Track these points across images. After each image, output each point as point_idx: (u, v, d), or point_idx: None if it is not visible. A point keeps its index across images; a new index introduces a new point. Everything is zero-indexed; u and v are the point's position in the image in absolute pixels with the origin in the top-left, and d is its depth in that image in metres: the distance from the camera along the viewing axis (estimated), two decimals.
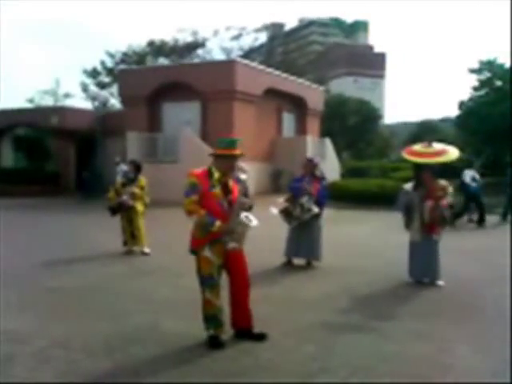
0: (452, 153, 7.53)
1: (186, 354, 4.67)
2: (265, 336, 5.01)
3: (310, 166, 8.52)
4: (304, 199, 8.17)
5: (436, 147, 7.59)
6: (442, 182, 7.40)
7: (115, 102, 39.90)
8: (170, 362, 4.51)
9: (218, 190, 4.80)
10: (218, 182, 4.82)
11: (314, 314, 5.93)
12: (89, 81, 41.65)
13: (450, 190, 7.43)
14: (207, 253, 4.79)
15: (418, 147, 7.82)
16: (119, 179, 19.03)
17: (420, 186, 7.41)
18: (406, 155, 7.80)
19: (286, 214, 8.30)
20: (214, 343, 4.81)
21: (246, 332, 5.02)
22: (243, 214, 4.82)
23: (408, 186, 7.64)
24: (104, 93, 41.83)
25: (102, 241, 11.10)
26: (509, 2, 72.12)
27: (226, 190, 4.85)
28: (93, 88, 41.94)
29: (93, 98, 42.40)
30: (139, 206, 9.76)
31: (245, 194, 5.00)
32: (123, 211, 9.75)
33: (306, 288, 7.22)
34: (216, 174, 4.83)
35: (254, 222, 4.85)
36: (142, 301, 6.47)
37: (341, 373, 4.31)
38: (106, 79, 41.03)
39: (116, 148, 24.06)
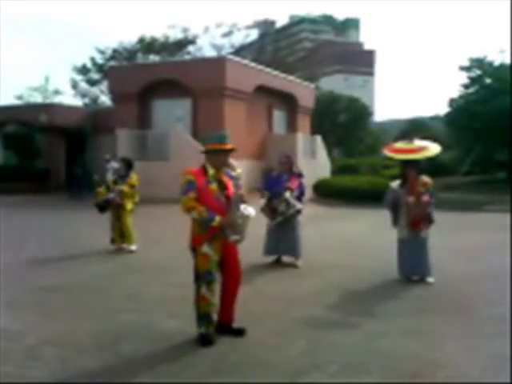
0: (432, 149, 7.58)
1: (176, 351, 4.68)
2: (243, 331, 5.06)
3: (288, 163, 8.54)
4: (287, 194, 8.16)
5: (416, 144, 7.65)
6: (425, 179, 7.45)
7: (105, 99, 39.82)
8: (160, 359, 4.51)
9: (214, 186, 4.86)
10: (213, 178, 4.87)
11: (303, 311, 5.95)
12: (79, 78, 41.53)
13: (432, 186, 7.47)
14: (206, 249, 4.82)
15: (399, 144, 7.94)
16: (110, 176, 19.11)
17: (406, 182, 7.46)
18: (386, 152, 7.89)
19: (269, 210, 8.25)
20: (205, 341, 4.82)
21: (225, 326, 5.05)
22: (242, 206, 4.87)
23: (395, 183, 7.69)
24: (94, 90, 41.72)
25: (92, 238, 11.05)
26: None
27: (222, 186, 4.91)
28: (83, 85, 41.83)
29: (83, 95, 42.29)
30: (128, 204, 9.71)
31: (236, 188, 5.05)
32: (111, 208, 9.73)
33: (295, 285, 7.24)
34: (211, 171, 4.88)
35: (253, 212, 4.93)
36: (131, 298, 6.46)
37: (330, 369, 4.33)
38: (96, 76, 40.91)
39: (106, 145, 23.97)
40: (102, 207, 9.74)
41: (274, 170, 8.98)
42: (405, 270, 7.50)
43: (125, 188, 9.63)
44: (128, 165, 9.89)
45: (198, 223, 4.82)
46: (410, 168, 7.43)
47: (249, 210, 4.90)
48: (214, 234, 4.80)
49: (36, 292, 6.74)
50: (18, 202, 20.48)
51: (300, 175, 8.61)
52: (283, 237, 8.34)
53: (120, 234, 9.71)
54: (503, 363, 4.48)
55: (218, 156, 4.88)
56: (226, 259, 4.96)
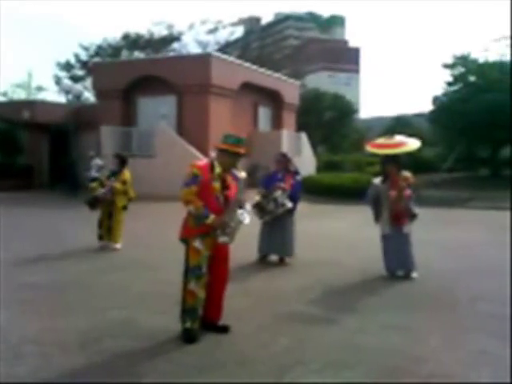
0: (412, 144, 7.70)
1: (161, 348, 4.68)
2: (228, 328, 5.08)
3: (284, 161, 8.54)
4: (277, 193, 8.19)
5: (396, 139, 7.76)
6: (406, 173, 7.53)
7: (89, 96, 39.53)
8: (145, 356, 4.51)
9: (217, 184, 4.90)
10: (218, 176, 4.92)
11: (287, 308, 5.98)
12: (62, 74, 41.17)
13: (413, 180, 7.55)
14: (198, 244, 4.84)
15: (380, 140, 8.09)
16: (93, 173, 18.98)
17: (387, 178, 7.54)
18: (368, 148, 8.03)
19: (259, 208, 8.29)
20: (189, 336, 4.83)
21: (210, 324, 5.07)
22: (239, 211, 4.94)
23: (377, 179, 7.76)
24: (78, 86, 41.40)
25: (77, 236, 11.00)
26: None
27: (224, 185, 4.95)
28: (66, 81, 41.48)
29: (66, 92, 41.95)
30: (120, 201, 9.63)
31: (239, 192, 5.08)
32: (102, 205, 9.65)
33: (280, 282, 7.27)
34: (218, 169, 4.92)
35: (248, 219, 5.00)
36: (116, 296, 6.44)
37: (314, 365, 4.36)
38: (79, 72, 40.60)
39: (90, 142, 23.79)
40: (92, 204, 9.66)
41: (267, 168, 9.02)
42: (390, 265, 7.56)
43: (117, 184, 9.51)
44: (122, 161, 9.77)
45: (193, 216, 4.85)
46: (390, 163, 7.53)
47: (244, 216, 4.97)
48: (205, 230, 4.83)
49: (20, 290, 6.68)
50: (0, 199, 20.26)
51: (296, 173, 8.62)
52: (275, 235, 8.36)
53: (108, 231, 9.61)
54: (485, 359, 4.54)
55: (230, 157, 4.95)
56: (216, 257, 4.97)
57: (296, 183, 8.46)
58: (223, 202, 4.92)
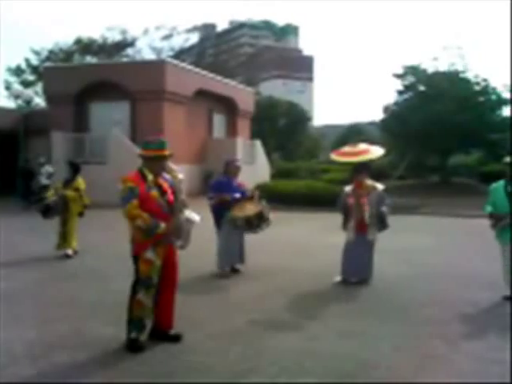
0: (374, 152, 7.84)
1: (113, 358, 4.60)
2: (180, 337, 5.02)
3: (239, 169, 8.35)
4: (266, 210, 7.87)
5: (360, 147, 7.88)
6: (369, 182, 7.63)
7: (40, 101, 38.65)
8: (96, 367, 4.42)
9: (155, 192, 4.83)
10: (153, 184, 4.85)
11: (243, 315, 5.97)
12: (12, 79, 40.16)
13: (379, 188, 7.64)
14: (150, 254, 4.77)
15: (344, 148, 8.21)
16: (43, 180, 18.50)
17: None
18: (333, 156, 8.13)
19: (248, 224, 7.68)
20: (135, 346, 4.76)
21: (162, 333, 5.00)
22: (186, 212, 4.90)
23: (348, 187, 7.80)
24: (28, 91, 40.43)
25: (29, 244, 10.72)
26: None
27: (162, 191, 4.89)
28: (16, 86, 40.46)
29: (16, 97, 40.87)
30: (74, 208, 9.62)
31: (178, 193, 5.05)
32: (55, 213, 9.57)
33: (237, 289, 7.26)
34: (149, 176, 4.85)
35: (197, 218, 4.97)
36: (67, 305, 6.30)
37: (269, 372, 4.36)
38: (30, 77, 39.67)
39: (40, 148, 23.20)
40: (45, 212, 9.56)
41: (218, 174, 8.69)
42: (346, 271, 7.61)
43: (68, 192, 9.53)
44: (75, 168, 9.83)
45: (141, 230, 4.75)
46: (358, 171, 7.61)
47: (193, 215, 4.94)
48: (158, 239, 4.76)
49: None
50: None
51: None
52: (236, 246, 8.22)
53: (63, 239, 9.57)
54: (436, 363, 4.64)
55: (157, 162, 4.89)
56: (165, 264, 4.92)
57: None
58: (167, 207, 4.86)
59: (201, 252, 8.47)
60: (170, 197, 4.93)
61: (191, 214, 4.92)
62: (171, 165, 5.04)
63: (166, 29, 43.33)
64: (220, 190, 8.04)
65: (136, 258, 4.84)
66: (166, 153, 4.93)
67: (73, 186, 9.62)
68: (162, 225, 4.73)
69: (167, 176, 5.12)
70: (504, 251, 6.76)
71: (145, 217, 4.69)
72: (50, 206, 9.50)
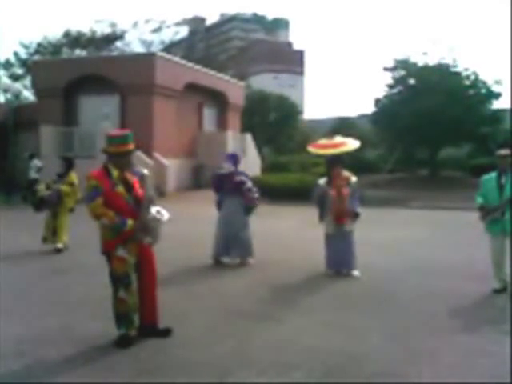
0: (351, 144, 7.98)
1: (100, 354, 4.57)
2: (169, 332, 4.98)
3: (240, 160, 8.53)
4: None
5: (336, 139, 7.98)
6: (345, 173, 7.70)
7: (29, 95, 38.37)
8: (84, 362, 4.39)
9: (121, 188, 4.71)
10: (118, 180, 4.72)
11: (233, 309, 5.96)
12: (1, 72, 39.81)
13: (353, 180, 7.71)
14: (122, 252, 4.70)
15: (321, 141, 8.39)
16: (33, 174, 18.36)
17: (331, 179, 7.68)
18: (310, 148, 8.29)
19: None
20: (125, 342, 4.73)
21: (150, 329, 4.95)
22: (154, 209, 4.78)
23: (322, 180, 7.89)
24: (17, 85, 40.12)
25: (18, 239, 10.65)
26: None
27: (128, 187, 4.76)
28: (5, 80, 40.12)
29: (5, 91, 40.56)
30: (67, 203, 9.59)
31: (145, 188, 4.88)
32: (48, 207, 9.53)
33: (225, 282, 7.25)
34: (115, 172, 4.72)
35: (166, 215, 4.83)
36: (55, 300, 6.27)
37: (259, 366, 4.35)
38: (19, 71, 39.31)
39: (29, 142, 23.04)
40: (37, 206, 9.53)
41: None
42: (332, 264, 7.68)
43: (63, 187, 9.51)
44: (68, 163, 9.82)
45: (108, 229, 4.69)
46: (334, 163, 7.68)
47: (162, 212, 4.81)
48: (126, 237, 4.68)
49: None
50: None
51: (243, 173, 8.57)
52: (234, 238, 8.30)
53: (53, 233, 9.53)
54: (425, 357, 4.64)
55: (122, 157, 4.75)
56: (142, 261, 4.85)
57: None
58: (134, 203, 4.74)
59: (191, 244, 8.46)
60: (138, 192, 4.79)
61: (160, 212, 4.78)
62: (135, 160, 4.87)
63: (155, 22, 43.11)
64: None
65: (108, 255, 4.78)
66: (130, 147, 4.78)
67: (67, 181, 9.61)
68: (130, 222, 4.63)
69: (137, 169, 4.96)
70: (493, 243, 6.79)
71: (110, 215, 4.60)
72: (43, 199, 9.47)
